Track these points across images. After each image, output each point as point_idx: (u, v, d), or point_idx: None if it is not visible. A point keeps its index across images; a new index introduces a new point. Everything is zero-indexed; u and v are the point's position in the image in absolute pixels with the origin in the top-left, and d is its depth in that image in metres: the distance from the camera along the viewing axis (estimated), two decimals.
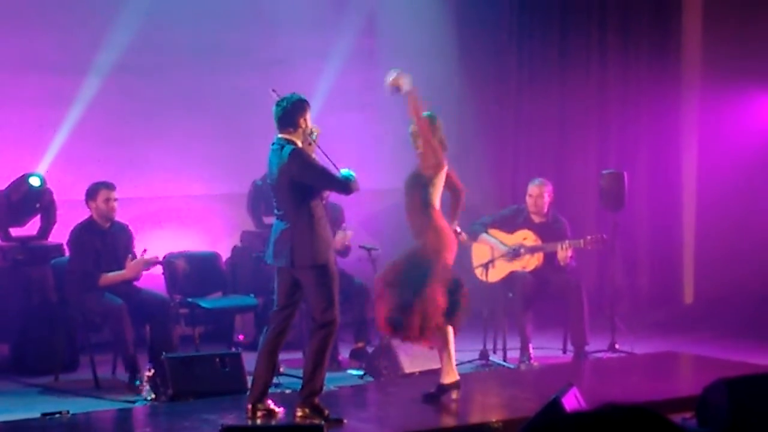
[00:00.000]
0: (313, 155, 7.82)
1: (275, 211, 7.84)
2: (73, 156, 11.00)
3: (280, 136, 7.71)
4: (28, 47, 10.99)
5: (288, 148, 7.61)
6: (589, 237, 10.28)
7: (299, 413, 7.69)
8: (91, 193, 9.63)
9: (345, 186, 7.85)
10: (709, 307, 12.46)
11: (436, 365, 9.29)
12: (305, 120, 7.70)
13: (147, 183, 11.35)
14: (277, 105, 7.73)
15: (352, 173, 7.82)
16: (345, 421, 7.72)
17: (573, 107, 12.93)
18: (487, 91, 12.86)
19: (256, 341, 10.11)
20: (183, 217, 11.66)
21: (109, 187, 9.64)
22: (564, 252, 10.18)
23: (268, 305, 10.15)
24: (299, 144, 7.69)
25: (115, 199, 9.62)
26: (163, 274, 10.17)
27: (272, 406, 7.81)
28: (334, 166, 7.86)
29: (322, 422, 7.31)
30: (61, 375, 9.74)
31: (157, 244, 10.20)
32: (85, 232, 9.59)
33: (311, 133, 7.84)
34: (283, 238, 7.69)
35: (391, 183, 11.81)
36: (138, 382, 9.04)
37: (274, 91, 7.84)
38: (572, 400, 6.37)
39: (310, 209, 7.65)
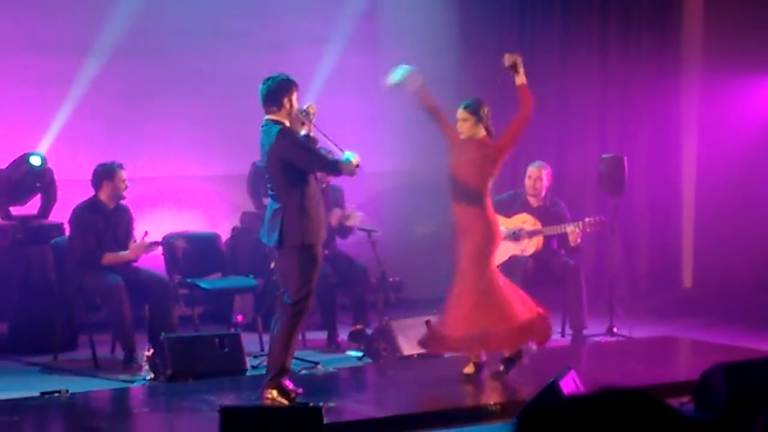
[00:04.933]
0: (311, 133, 7.78)
1: (269, 191, 7.82)
2: (73, 136, 10.99)
3: (267, 117, 7.66)
4: (29, 28, 10.97)
5: (275, 129, 7.56)
6: (587, 219, 10.27)
7: (267, 395, 7.62)
8: (108, 173, 9.57)
9: (333, 168, 7.81)
10: (707, 291, 12.48)
11: None
12: (290, 100, 7.62)
13: (147, 163, 11.33)
14: (263, 84, 7.67)
15: (354, 155, 7.77)
16: (321, 404, 7.66)
17: (573, 91, 12.91)
18: (488, 75, 12.82)
19: (255, 322, 10.16)
20: (183, 198, 11.65)
21: (122, 167, 9.64)
22: (574, 233, 10.17)
23: (267, 286, 10.18)
24: (286, 123, 7.65)
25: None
26: (162, 254, 10.16)
27: (291, 387, 7.75)
28: (336, 146, 7.84)
29: (320, 404, 7.30)
30: (60, 354, 9.75)
31: (156, 225, 10.20)
32: (88, 211, 9.57)
33: (307, 113, 7.81)
34: (275, 217, 7.66)
35: (392, 166, 11.85)
36: (132, 364, 9.04)
37: None
38: (570, 384, 6.39)
39: (302, 188, 7.61)
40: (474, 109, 8.40)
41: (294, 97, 7.66)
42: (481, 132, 8.39)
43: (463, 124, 8.40)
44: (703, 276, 12.96)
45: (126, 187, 9.62)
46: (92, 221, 9.52)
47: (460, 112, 8.41)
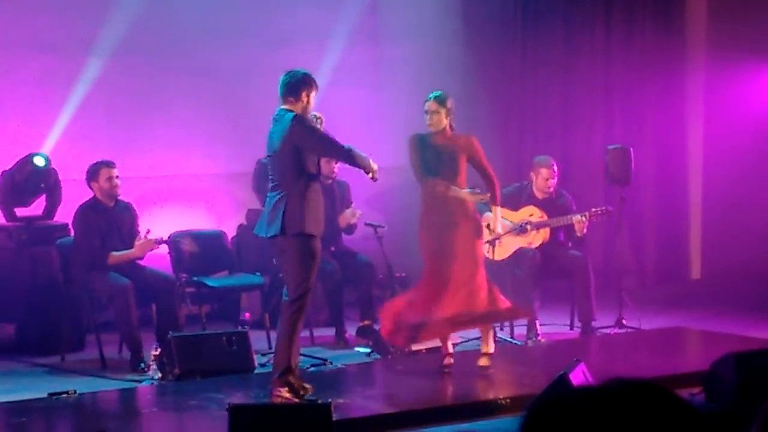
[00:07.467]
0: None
1: (270, 183, 7.78)
2: (77, 135, 10.97)
3: (281, 106, 7.68)
4: (32, 27, 10.95)
5: (289, 115, 7.56)
6: (594, 209, 10.22)
7: (277, 393, 7.59)
8: (92, 174, 9.56)
9: (349, 155, 7.77)
10: (716, 282, 12.45)
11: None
12: (308, 96, 7.65)
13: (152, 162, 11.32)
14: (285, 75, 7.71)
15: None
16: (330, 400, 7.61)
17: (579, 83, 12.89)
18: (492, 67, 12.80)
19: (263, 319, 10.13)
20: (188, 196, 11.63)
21: (109, 165, 9.57)
22: (581, 223, 10.12)
23: (274, 283, 10.15)
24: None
25: (117, 176, 9.57)
26: (168, 253, 10.14)
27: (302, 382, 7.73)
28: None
29: (329, 401, 7.27)
30: (67, 355, 9.74)
31: (162, 223, 10.17)
32: (89, 211, 9.54)
33: (317, 118, 7.86)
34: (276, 207, 7.62)
35: (397, 160, 11.77)
36: (142, 365, 9.02)
37: None
38: (580, 376, 6.36)
39: (307, 182, 7.59)
40: (443, 101, 8.42)
41: (312, 94, 7.70)
42: (446, 123, 8.42)
43: (435, 116, 8.42)
44: (711, 266, 12.94)
45: (116, 184, 9.55)
46: (94, 221, 9.49)
47: (431, 104, 8.40)
